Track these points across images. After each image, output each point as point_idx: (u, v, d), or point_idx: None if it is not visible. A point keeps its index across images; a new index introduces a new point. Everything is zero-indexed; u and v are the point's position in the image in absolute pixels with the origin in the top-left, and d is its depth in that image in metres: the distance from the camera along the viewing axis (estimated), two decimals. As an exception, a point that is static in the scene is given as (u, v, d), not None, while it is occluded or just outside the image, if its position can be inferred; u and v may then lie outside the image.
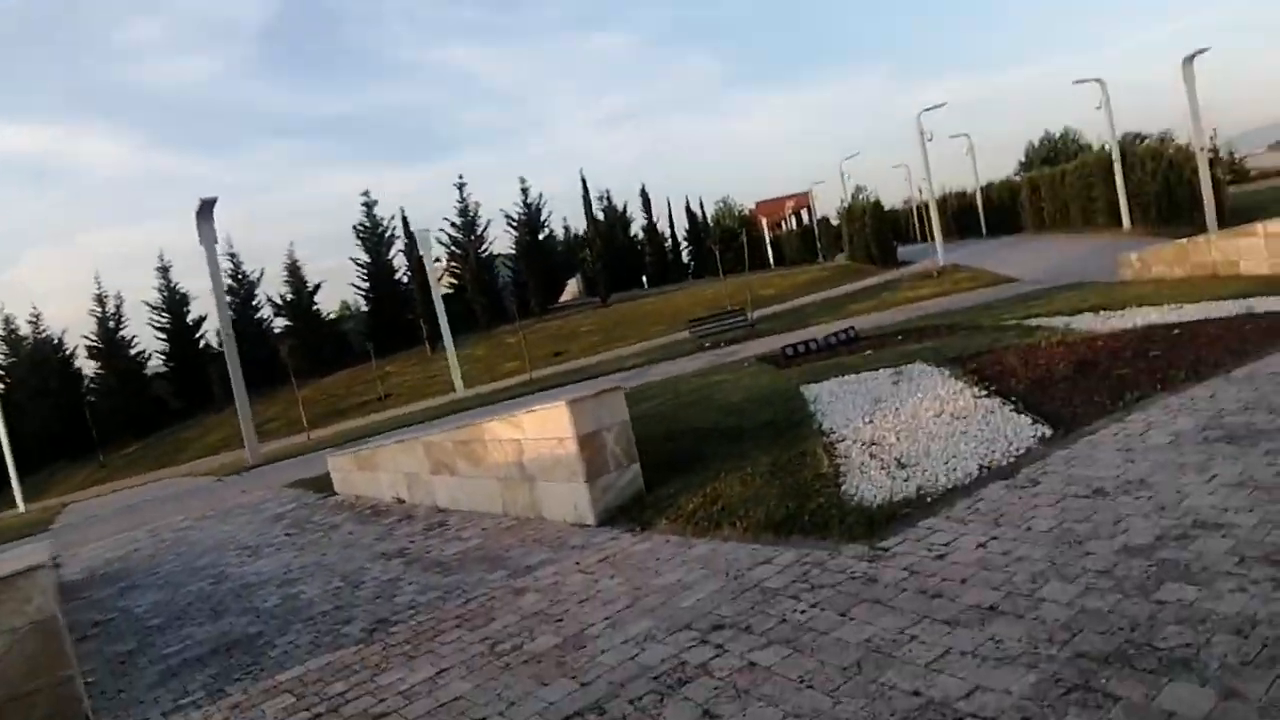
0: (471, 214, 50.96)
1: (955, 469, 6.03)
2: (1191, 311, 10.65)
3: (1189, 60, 22.75)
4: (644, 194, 65.59)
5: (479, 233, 50.42)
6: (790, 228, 63.71)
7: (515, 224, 49.88)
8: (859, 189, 60.00)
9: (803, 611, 4.30)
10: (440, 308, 27.05)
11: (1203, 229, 21.45)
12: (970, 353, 10.34)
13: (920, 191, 42.72)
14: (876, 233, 38.40)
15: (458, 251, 50.72)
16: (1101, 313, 12.15)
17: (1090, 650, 3.32)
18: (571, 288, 59.03)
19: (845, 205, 44.84)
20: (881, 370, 10.41)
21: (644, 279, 63.60)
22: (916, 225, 48.79)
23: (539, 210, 50.76)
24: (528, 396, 20.31)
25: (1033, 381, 8.15)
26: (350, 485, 12.64)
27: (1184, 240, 16.11)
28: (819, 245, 52.25)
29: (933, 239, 32.73)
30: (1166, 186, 26.68)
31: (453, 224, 50.54)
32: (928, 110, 32.02)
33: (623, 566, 5.81)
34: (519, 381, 26.15)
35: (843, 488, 6.10)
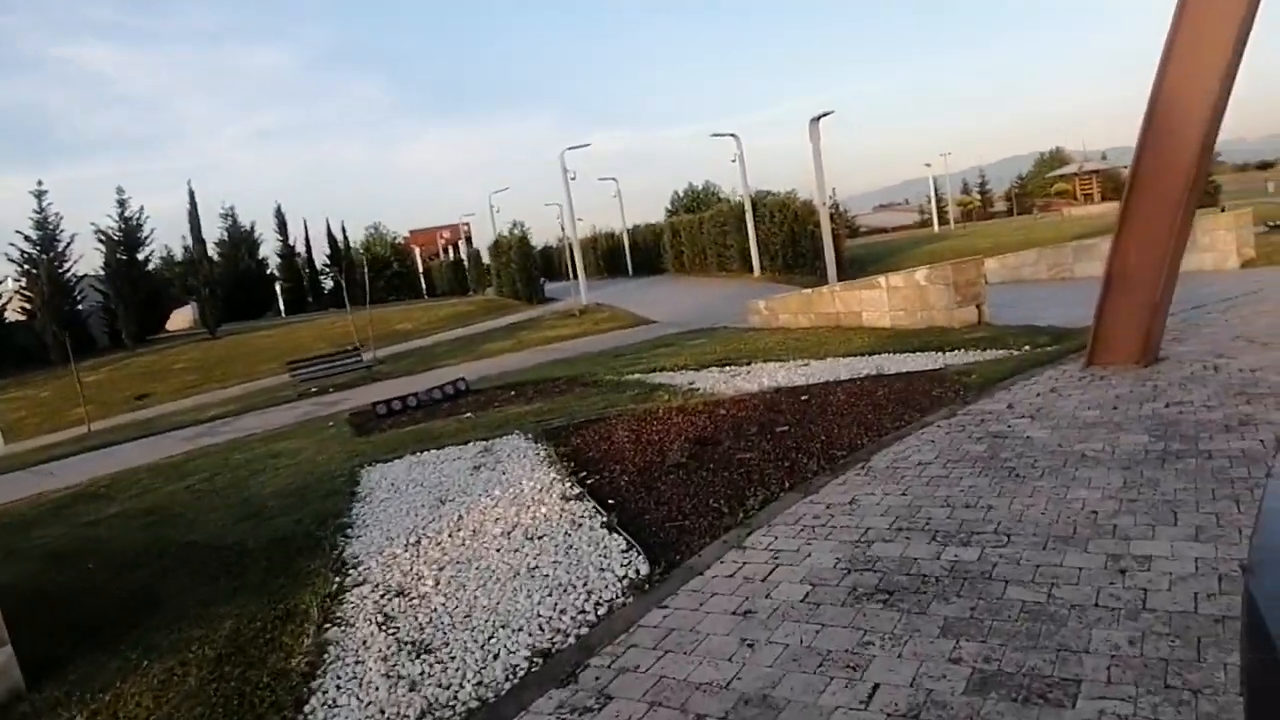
0: (52, 227, 41.78)
1: (497, 655, 3.69)
2: (819, 370, 9.56)
3: (815, 121, 23.62)
4: (279, 215, 58.90)
5: (59, 250, 41.37)
6: (445, 259, 60.72)
7: (105, 240, 41.38)
8: (515, 224, 58.49)
9: None
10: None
11: (824, 277, 22.08)
12: (579, 420, 8.38)
13: (563, 229, 41.99)
14: (523, 268, 36.86)
15: (33, 271, 41.23)
16: (728, 368, 10.87)
17: None
18: (186, 316, 50.77)
19: (495, 239, 42.86)
20: (470, 445, 8.11)
21: (280, 307, 57.12)
22: (569, 262, 48.35)
23: (139, 226, 42.69)
24: (70, 459, 15.37)
25: (640, 470, 6.21)
26: None
27: (809, 290, 15.76)
28: (469, 278, 49.90)
29: (578, 277, 31.77)
30: (792, 236, 27.87)
31: (26, 238, 41.06)
32: (571, 149, 31.25)
33: None
34: (74, 435, 20.42)
35: (307, 710, 3.49)
